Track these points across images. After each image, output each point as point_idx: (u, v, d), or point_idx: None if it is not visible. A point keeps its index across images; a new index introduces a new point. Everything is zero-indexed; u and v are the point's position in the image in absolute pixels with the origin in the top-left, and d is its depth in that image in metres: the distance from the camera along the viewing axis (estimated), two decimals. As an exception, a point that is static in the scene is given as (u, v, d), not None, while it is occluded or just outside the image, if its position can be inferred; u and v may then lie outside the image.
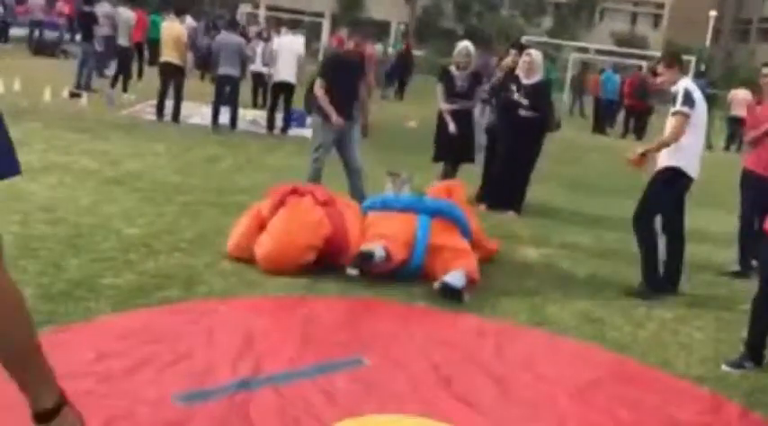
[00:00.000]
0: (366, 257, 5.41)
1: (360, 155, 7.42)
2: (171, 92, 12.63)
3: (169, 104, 12.65)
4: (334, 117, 7.15)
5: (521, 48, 8.94)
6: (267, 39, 15.77)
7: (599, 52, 36.59)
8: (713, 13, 51.51)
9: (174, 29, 12.77)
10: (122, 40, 16.28)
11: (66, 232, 5.75)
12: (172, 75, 12.58)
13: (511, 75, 8.56)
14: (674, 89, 5.90)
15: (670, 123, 5.88)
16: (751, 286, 5.29)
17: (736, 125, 18.46)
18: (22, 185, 6.56)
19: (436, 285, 5.40)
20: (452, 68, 8.67)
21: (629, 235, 6.32)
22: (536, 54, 8.58)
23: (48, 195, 6.72)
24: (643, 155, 5.91)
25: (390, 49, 25.27)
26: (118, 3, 16.86)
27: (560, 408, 3.86)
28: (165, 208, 6.86)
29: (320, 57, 25.71)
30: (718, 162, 14.39)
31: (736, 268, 7.10)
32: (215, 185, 8.06)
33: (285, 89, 12.77)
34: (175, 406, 3.36)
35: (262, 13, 29.61)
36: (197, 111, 13.70)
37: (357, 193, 7.19)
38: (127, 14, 16.80)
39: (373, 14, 45.26)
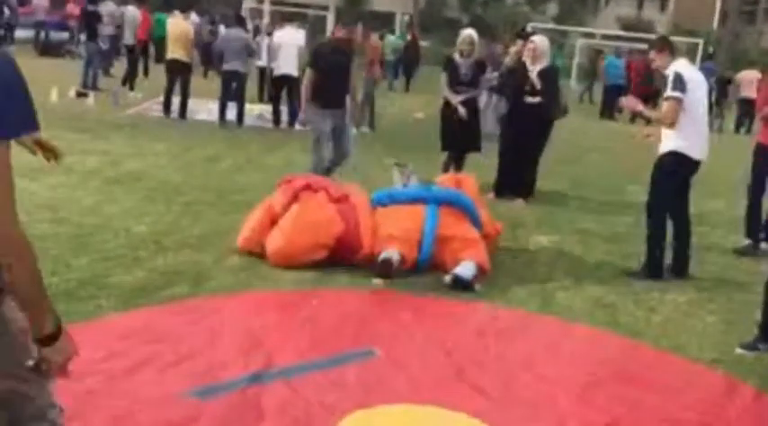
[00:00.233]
0: (387, 265, 5.33)
1: (351, 145, 7.51)
2: (177, 89, 12.64)
3: (176, 101, 12.66)
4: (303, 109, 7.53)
5: (526, 38, 8.91)
6: (270, 34, 15.75)
7: (605, 37, 36.37)
8: (720, -4, 51.14)
9: (180, 26, 12.78)
10: (128, 39, 16.29)
11: (71, 231, 5.76)
12: (179, 72, 12.61)
13: (519, 63, 8.54)
14: (666, 73, 5.85)
15: (662, 109, 5.88)
16: (764, 268, 5.25)
17: (746, 106, 18.33)
18: (25, 185, 6.55)
19: (447, 278, 5.37)
20: (456, 56, 8.63)
21: (640, 219, 6.29)
22: (540, 40, 8.54)
23: (50, 195, 6.73)
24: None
25: (394, 38, 25.07)
26: (121, 2, 16.88)
27: (575, 393, 3.84)
28: (168, 206, 6.86)
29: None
30: (729, 145, 14.30)
31: (745, 242, 7.15)
32: (215, 184, 8.01)
33: (288, 82, 12.74)
34: (184, 403, 3.35)
35: (266, 8, 29.48)
36: (204, 108, 13.71)
37: (331, 163, 7.47)
38: (133, 13, 16.82)
39: (377, 6, 45.09)
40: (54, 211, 6.17)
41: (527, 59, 8.36)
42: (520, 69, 8.46)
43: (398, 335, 4.41)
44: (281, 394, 3.51)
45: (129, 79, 15.88)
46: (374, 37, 14.98)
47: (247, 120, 12.88)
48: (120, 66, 17.86)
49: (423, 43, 29.26)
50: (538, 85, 8.18)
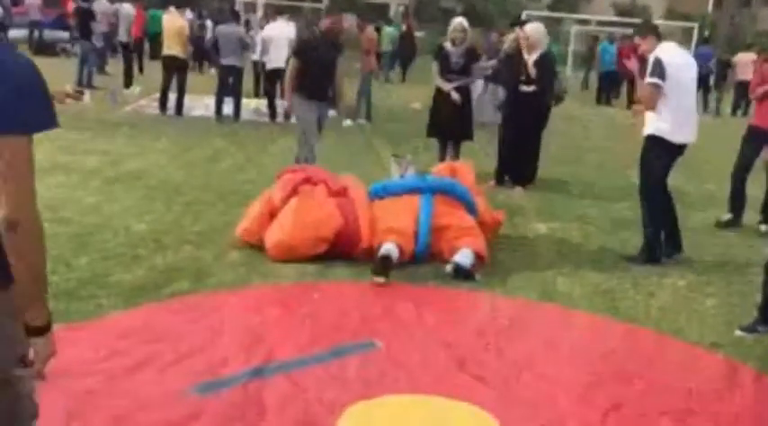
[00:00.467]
0: (386, 261, 5.30)
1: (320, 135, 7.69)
2: (173, 85, 12.62)
3: (172, 98, 12.64)
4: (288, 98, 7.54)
5: (521, 26, 8.89)
6: (263, 28, 15.73)
7: (600, 23, 36.27)
8: (715, -21, 50.93)
9: (175, 22, 12.74)
10: (123, 36, 16.26)
11: (71, 231, 5.77)
12: (175, 69, 12.58)
13: (517, 50, 8.54)
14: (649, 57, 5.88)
15: (643, 94, 5.95)
16: (763, 250, 5.26)
17: (742, 89, 18.31)
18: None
19: (448, 268, 5.37)
20: (447, 45, 8.63)
21: (637, 203, 6.30)
22: (534, 28, 8.52)
23: (51, 195, 6.73)
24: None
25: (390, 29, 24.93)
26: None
27: (579, 381, 3.86)
28: (168, 205, 6.85)
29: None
30: (725, 128, 14.29)
31: (728, 216, 7.39)
32: (216, 183, 7.98)
33: (281, 75, 12.70)
34: (185, 402, 3.35)
35: (260, 1, 29.43)
36: (200, 103, 13.70)
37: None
38: (128, 10, 16.79)
39: (372, -3, 44.95)
40: (54, 211, 6.17)
41: (523, 48, 8.35)
42: (516, 57, 8.45)
43: (399, 327, 4.42)
44: (283, 389, 3.52)
45: (125, 76, 15.85)
46: (369, 28, 14.92)
47: (244, 115, 12.87)
48: (114, 64, 17.83)
49: (418, 34, 29.14)
50: (533, 74, 8.18)
